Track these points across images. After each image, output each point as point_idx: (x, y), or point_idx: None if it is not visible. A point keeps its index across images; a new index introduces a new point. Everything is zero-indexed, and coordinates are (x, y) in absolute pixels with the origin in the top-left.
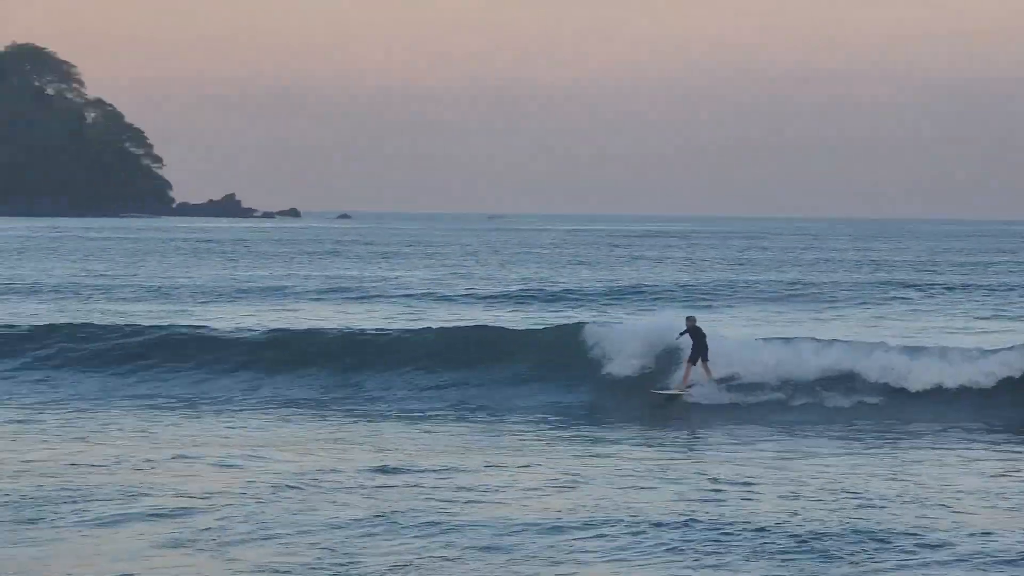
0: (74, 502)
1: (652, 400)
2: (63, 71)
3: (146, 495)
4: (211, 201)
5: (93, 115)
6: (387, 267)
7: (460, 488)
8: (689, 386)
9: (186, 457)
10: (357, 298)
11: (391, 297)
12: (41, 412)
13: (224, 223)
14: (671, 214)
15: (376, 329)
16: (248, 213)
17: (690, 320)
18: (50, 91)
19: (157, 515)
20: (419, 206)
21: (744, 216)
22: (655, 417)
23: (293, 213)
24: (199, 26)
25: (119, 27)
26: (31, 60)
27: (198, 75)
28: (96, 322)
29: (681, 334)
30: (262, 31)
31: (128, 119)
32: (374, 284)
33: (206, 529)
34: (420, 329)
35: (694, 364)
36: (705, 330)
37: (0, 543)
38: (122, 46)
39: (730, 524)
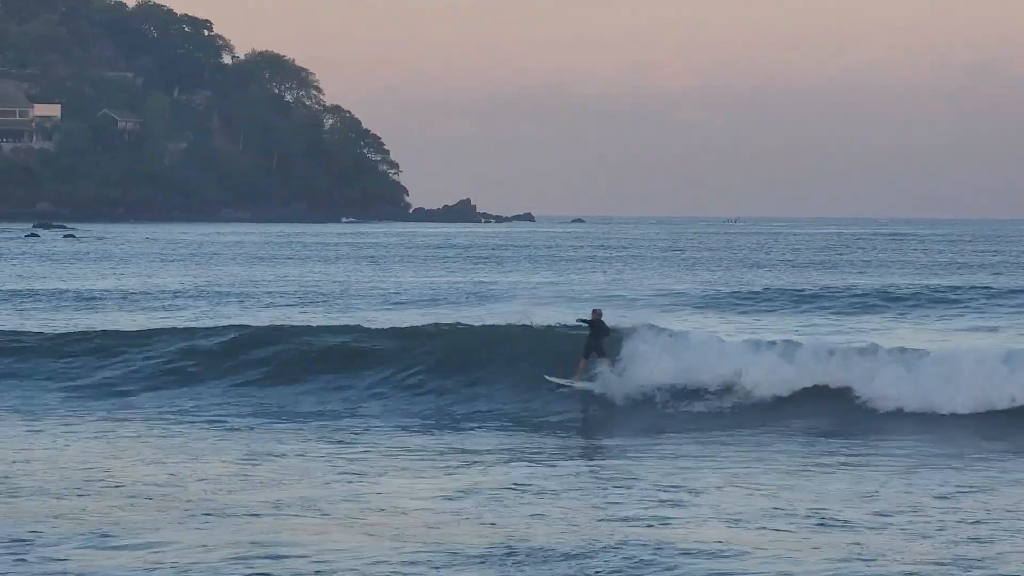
0: None
1: (548, 387)
2: (302, 78)
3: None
4: (446, 207)
5: (331, 122)
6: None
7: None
8: (591, 379)
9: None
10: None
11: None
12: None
13: (466, 227)
14: (879, 216)
15: None
16: (482, 218)
17: (596, 312)
18: (289, 98)
19: None
20: (651, 210)
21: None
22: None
23: (527, 217)
24: (435, 33)
25: (356, 34)
26: (271, 67)
27: (433, 81)
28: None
29: (580, 320)
30: (496, 37)
31: (365, 125)
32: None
33: None
34: None
35: (587, 359)
36: (609, 326)
37: None
38: (359, 53)
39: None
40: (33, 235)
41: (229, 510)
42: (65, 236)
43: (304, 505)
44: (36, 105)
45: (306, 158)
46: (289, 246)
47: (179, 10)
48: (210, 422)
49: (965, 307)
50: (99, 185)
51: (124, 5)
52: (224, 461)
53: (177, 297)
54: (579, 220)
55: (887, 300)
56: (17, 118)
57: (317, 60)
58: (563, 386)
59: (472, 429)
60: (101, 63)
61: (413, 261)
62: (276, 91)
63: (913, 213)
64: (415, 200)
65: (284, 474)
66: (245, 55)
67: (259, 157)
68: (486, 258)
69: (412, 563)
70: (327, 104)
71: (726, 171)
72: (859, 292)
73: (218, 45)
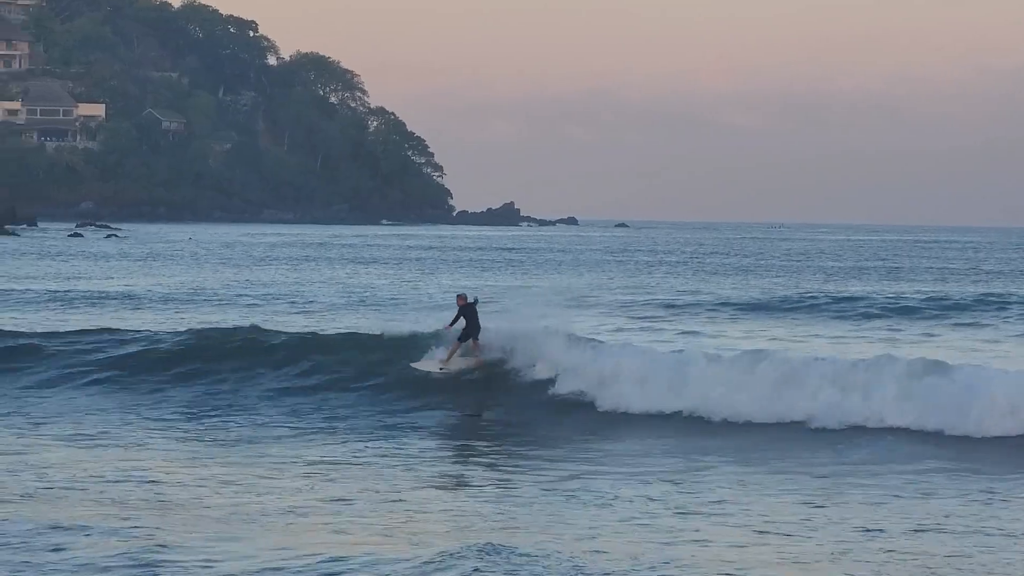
0: None
1: (414, 374)
2: (347, 80)
3: None
4: (490, 210)
5: (375, 124)
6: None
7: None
8: (457, 360)
9: None
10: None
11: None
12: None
13: (513, 231)
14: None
15: None
16: (526, 222)
17: (461, 299)
18: (334, 100)
19: None
20: (693, 214)
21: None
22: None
23: (571, 221)
24: (480, 36)
25: (402, 37)
26: (316, 69)
27: (478, 84)
28: None
29: (453, 321)
30: (539, 40)
31: (410, 128)
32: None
33: None
34: None
35: (463, 342)
36: (478, 307)
37: None
38: (405, 56)
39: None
40: (76, 235)
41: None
42: (107, 236)
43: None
44: (80, 104)
45: (350, 160)
46: (322, 248)
47: (224, 11)
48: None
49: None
50: (143, 185)
51: (169, 5)
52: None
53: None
54: (622, 224)
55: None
56: (61, 117)
57: (362, 62)
58: (433, 370)
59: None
60: (146, 63)
61: (422, 262)
62: (321, 93)
63: (958, 221)
64: (459, 203)
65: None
66: (290, 56)
67: (303, 158)
68: (519, 261)
69: None
70: (372, 106)
71: (768, 176)
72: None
73: (263, 46)
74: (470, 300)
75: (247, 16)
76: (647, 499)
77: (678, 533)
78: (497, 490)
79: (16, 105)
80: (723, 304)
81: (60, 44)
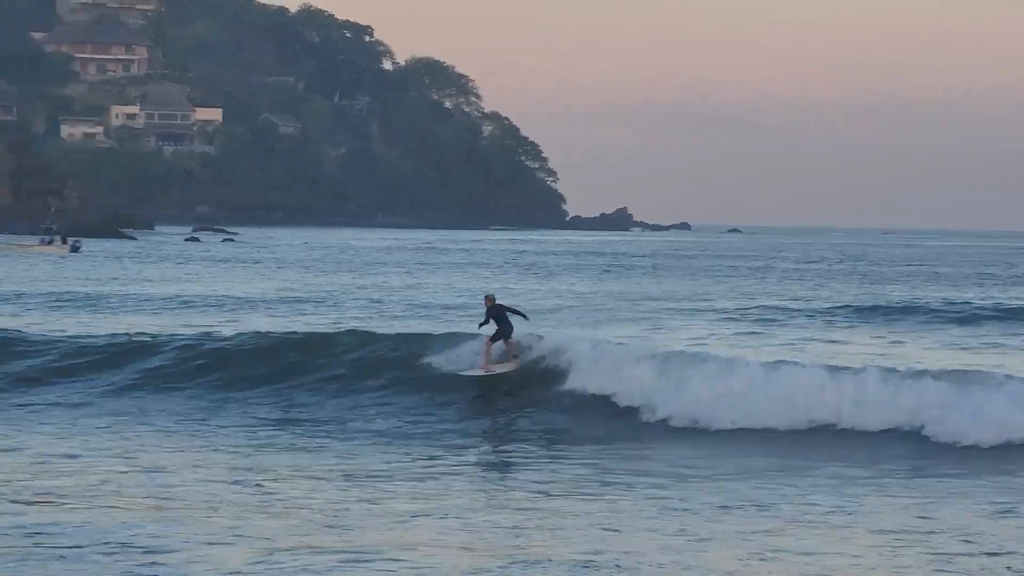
0: None
1: (464, 383)
2: (461, 85)
3: None
4: (603, 215)
5: (489, 129)
6: None
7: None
8: (497, 363)
9: None
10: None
11: None
12: None
13: (628, 236)
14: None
15: None
16: (639, 227)
17: (488, 300)
18: (448, 104)
19: None
20: (804, 219)
21: None
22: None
23: (683, 226)
24: (595, 42)
25: (516, 42)
26: (431, 74)
27: (592, 90)
28: None
29: (482, 324)
30: (654, 47)
31: (523, 133)
32: None
33: None
34: None
35: (495, 342)
36: (507, 304)
37: None
38: (519, 61)
39: None
40: (193, 239)
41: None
42: (224, 240)
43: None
44: (198, 109)
45: (464, 164)
46: (434, 252)
47: (340, 15)
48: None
49: None
50: (258, 189)
51: (286, 10)
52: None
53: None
54: (735, 230)
55: None
56: (179, 121)
57: (477, 67)
58: (475, 374)
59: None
60: (262, 68)
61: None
62: (435, 97)
63: None
64: (572, 208)
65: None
66: (405, 61)
67: (417, 163)
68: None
69: None
70: (486, 111)
71: (878, 182)
72: None
73: (379, 51)
74: (497, 301)
75: (363, 21)
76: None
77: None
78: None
79: (135, 109)
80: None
81: (178, 49)
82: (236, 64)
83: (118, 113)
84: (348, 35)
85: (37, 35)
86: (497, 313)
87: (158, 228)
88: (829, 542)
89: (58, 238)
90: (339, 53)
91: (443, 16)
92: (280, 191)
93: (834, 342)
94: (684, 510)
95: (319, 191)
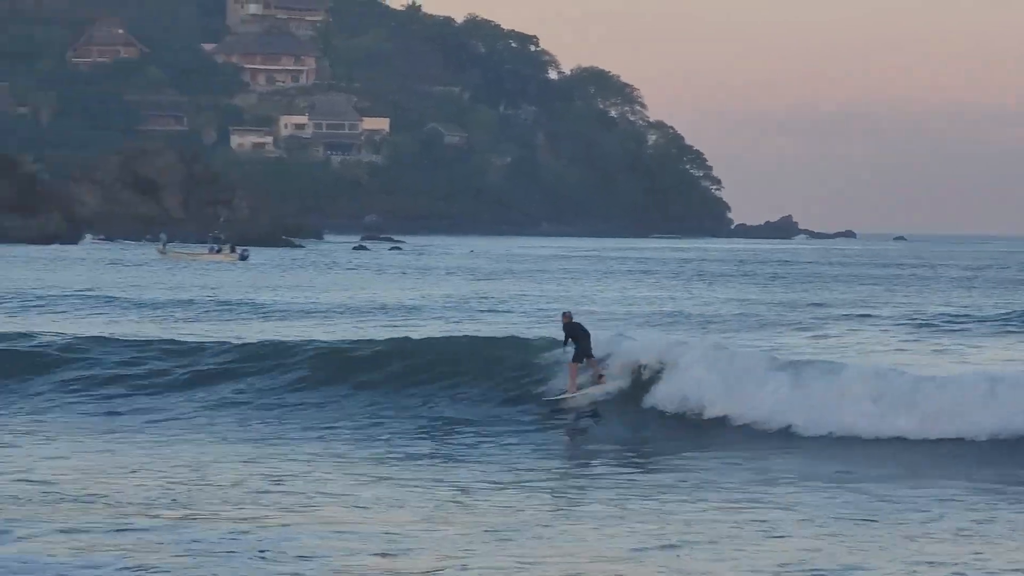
0: None
1: (549, 407)
2: (626, 94)
3: None
4: (767, 223)
5: (653, 137)
6: None
7: None
8: (580, 387)
9: None
10: None
11: None
12: None
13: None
14: None
15: None
16: (803, 234)
17: (566, 317)
18: (613, 114)
19: None
20: (973, 228)
21: None
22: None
23: (848, 234)
24: (759, 49)
25: (680, 51)
26: (595, 83)
27: (755, 97)
28: None
29: (565, 343)
30: (818, 54)
31: (688, 141)
32: None
33: None
34: None
35: (579, 363)
36: (585, 325)
37: None
38: (683, 70)
39: None
40: (361, 247)
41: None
42: (391, 248)
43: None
44: (365, 119)
45: (628, 173)
46: (603, 260)
47: (506, 25)
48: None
49: None
50: (425, 198)
51: (452, 20)
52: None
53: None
54: (900, 238)
55: None
56: (347, 131)
57: (641, 76)
58: (563, 399)
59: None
60: (428, 78)
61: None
62: (600, 107)
63: None
64: (737, 216)
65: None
66: (571, 71)
67: (582, 172)
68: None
69: None
70: (650, 120)
71: None
72: None
73: (544, 60)
74: (574, 318)
75: (528, 31)
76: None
77: None
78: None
79: (303, 119)
80: None
81: (346, 60)
82: (402, 74)
83: (287, 123)
84: (513, 45)
85: (208, 46)
86: (575, 331)
87: (326, 237)
88: None
89: (227, 247)
90: (504, 63)
91: (607, 25)
92: (445, 200)
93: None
94: None
95: (484, 200)
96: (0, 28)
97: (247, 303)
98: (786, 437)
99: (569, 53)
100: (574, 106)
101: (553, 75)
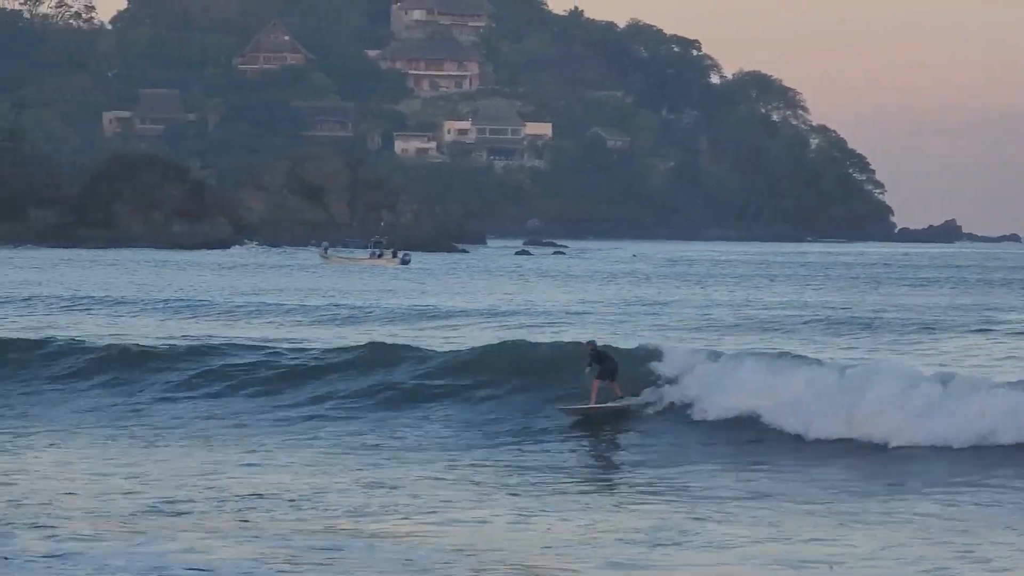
0: None
1: (565, 416)
2: (788, 98)
3: None
4: (931, 227)
5: (816, 141)
6: None
7: None
8: (599, 403)
9: None
10: None
11: None
12: None
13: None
14: None
15: None
16: (966, 239)
17: (589, 345)
18: (775, 118)
19: None
20: None
21: None
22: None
23: (1013, 238)
24: (918, 51)
25: (842, 54)
26: (758, 87)
27: (918, 99)
28: None
29: (588, 366)
30: (983, 54)
31: (851, 145)
32: None
33: None
34: None
35: (601, 381)
36: (610, 353)
37: None
38: (845, 73)
39: None
40: (524, 252)
41: None
42: (554, 253)
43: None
44: (527, 124)
45: (791, 178)
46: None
47: (668, 30)
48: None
49: None
50: (587, 203)
51: (615, 25)
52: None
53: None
54: None
55: None
56: (509, 136)
57: (803, 80)
58: (580, 410)
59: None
60: (591, 82)
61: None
62: (763, 111)
63: None
64: (900, 220)
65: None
66: (733, 75)
67: (745, 177)
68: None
69: None
70: (813, 124)
71: None
72: None
73: (706, 65)
74: (599, 346)
75: (690, 35)
76: None
77: None
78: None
79: (466, 125)
80: None
81: (509, 64)
82: (565, 79)
83: (450, 128)
84: (676, 49)
85: (372, 52)
86: (599, 357)
87: (489, 242)
88: None
89: (388, 251)
90: (667, 67)
91: (769, 29)
92: (608, 204)
93: None
94: None
95: (646, 204)
96: (170, 36)
97: (417, 308)
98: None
99: (731, 57)
100: (736, 110)
101: (715, 79)
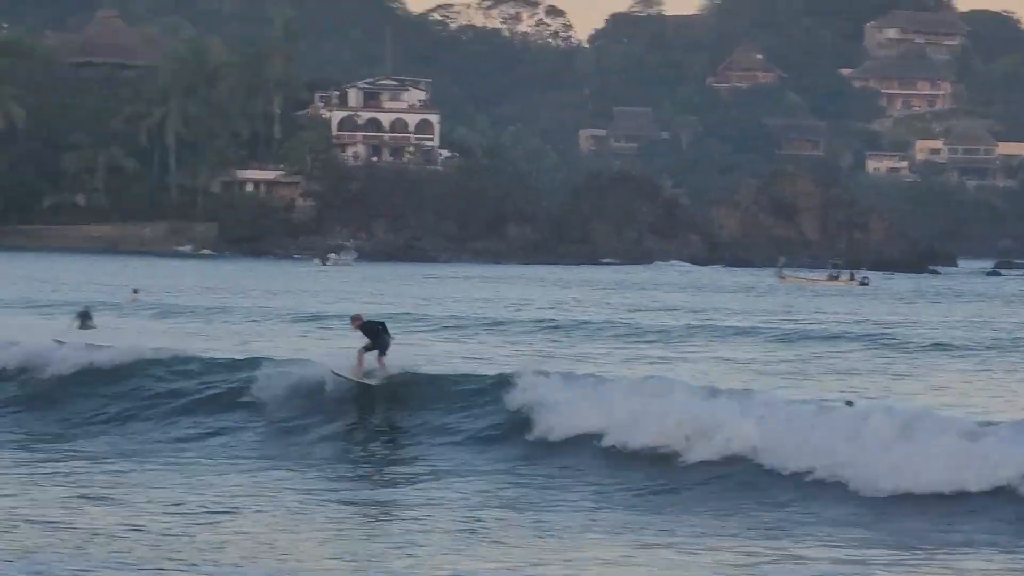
0: None
1: (334, 380)
2: None
3: None
4: None
5: None
6: None
7: None
8: (366, 374)
9: None
10: None
11: None
12: None
13: None
14: None
15: None
16: None
17: (356, 320)
18: None
19: None
20: None
21: None
22: None
23: None
24: None
25: None
26: None
27: None
28: None
29: (366, 348)
30: None
31: None
32: None
33: None
34: None
35: (367, 351)
36: (383, 324)
37: None
38: None
39: None
40: (994, 273)
41: None
42: (1022, 275)
43: None
44: (1000, 144)
45: None
46: None
47: None
48: None
49: None
50: None
51: None
52: None
53: None
54: None
55: None
56: (982, 156)
57: None
58: (343, 377)
59: None
60: None
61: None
62: None
63: None
64: None
65: None
66: None
67: None
68: None
69: None
70: None
71: None
72: None
73: None
74: (366, 319)
75: None
76: None
77: None
78: None
79: (938, 144)
80: None
81: (983, 83)
82: None
83: (922, 147)
84: None
85: (846, 71)
86: (368, 330)
87: (960, 263)
88: None
89: (846, 273)
90: None
91: None
92: None
93: None
94: None
95: None
96: (645, 54)
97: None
98: None
99: None
100: None
101: None
